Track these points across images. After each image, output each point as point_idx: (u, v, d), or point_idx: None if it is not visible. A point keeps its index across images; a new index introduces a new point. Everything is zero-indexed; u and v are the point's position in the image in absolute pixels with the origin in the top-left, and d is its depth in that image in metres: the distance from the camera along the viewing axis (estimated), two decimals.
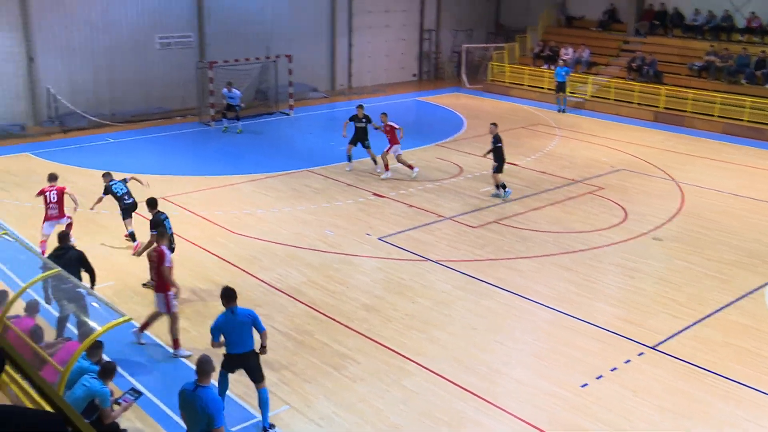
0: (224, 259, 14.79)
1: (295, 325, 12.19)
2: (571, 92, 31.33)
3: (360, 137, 20.74)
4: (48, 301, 10.77)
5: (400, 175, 20.75)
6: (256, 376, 9.47)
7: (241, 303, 9.50)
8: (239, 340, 9.27)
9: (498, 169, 19.21)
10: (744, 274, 14.68)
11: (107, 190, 15.47)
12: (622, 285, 14.09)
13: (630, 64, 31.29)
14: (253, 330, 9.37)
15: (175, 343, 11.26)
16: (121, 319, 7.87)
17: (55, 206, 14.65)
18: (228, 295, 9.29)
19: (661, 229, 17.10)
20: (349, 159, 21.06)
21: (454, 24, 38.04)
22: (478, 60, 36.87)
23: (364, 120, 20.67)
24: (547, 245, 15.93)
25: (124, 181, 15.65)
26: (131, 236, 15.34)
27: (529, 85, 33.15)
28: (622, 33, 34.28)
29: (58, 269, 9.50)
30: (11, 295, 9.68)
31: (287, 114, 28.39)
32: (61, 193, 14.77)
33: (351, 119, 20.86)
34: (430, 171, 21.33)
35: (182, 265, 14.03)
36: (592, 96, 31.15)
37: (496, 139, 19.22)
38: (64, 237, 11.45)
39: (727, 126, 27.04)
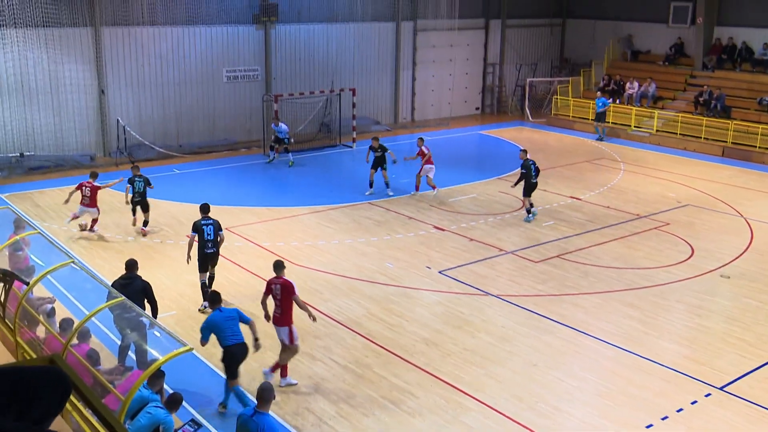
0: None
1: (354, 358, 12.19)
2: (636, 126, 31.04)
3: (379, 164, 21.94)
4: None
5: (461, 209, 20.75)
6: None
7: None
8: (231, 332, 10.42)
9: (526, 193, 19.68)
10: None
11: (130, 181, 17.84)
12: (688, 323, 13.77)
13: (697, 98, 30.81)
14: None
15: (283, 370, 11.37)
16: (183, 349, 7.93)
17: (87, 198, 17.44)
18: (214, 298, 10.75)
19: (728, 267, 16.74)
20: (371, 185, 22.06)
21: (518, 58, 38.11)
22: (542, 94, 36.80)
23: (379, 150, 21.85)
24: (610, 281, 15.69)
25: (147, 181, 17.87)
26: (144, 223, 17.99)
27: (593, 119, 32.87)
28: (689, 67, 33.80)
29: (122, 298, 9.65)
30: (76, 322, 9.87)
31: (350, 147, 28.67)
32: (94, 190, 17.48)
33: (369, 149, 21.96)
34: (491, 204, 21.30)
35: (245, 296, 14.19)
36: (659, 130, 30.74)
37: (523, 166, 19.72)
38: (131, 266, 11.59)
39: None
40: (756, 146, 27.70)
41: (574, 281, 15.65)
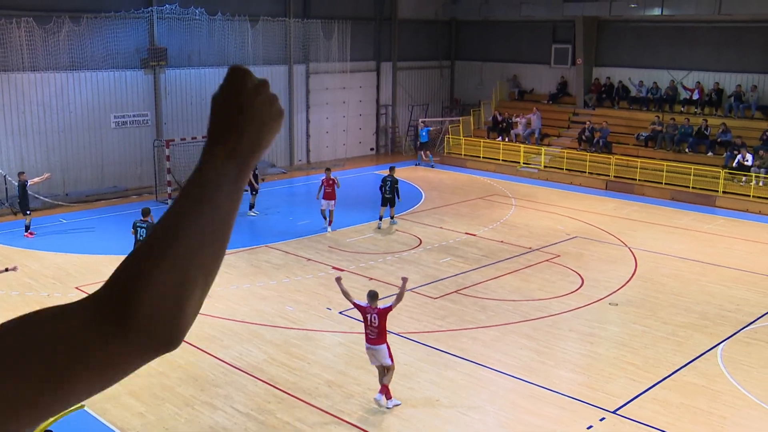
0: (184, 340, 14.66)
1: (257, 405, 12.04)
2: (525, 163, 32.23)
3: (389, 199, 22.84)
4: None
5: (360, 248, 20.90)
6: None
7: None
8: None
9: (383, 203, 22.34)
10: (697, 336, 15.00)
11: (134, 227, 17.61)
12: (581, 350, 14.26)
13: (581, 134, 32.26)
14: None
15: (388, 393, 12.02)
16: (73, 408, 7.70)
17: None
18: None
19: (616, 294, 17.43)
20: (381, 218, 23.07)
21: (410, 99, 38.99)
22: (435, 133, 37.75)
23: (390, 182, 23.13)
24: (507, 314, 16.10)
25: (148, 223, 17.25)
26: None
27: (484, 157, 33.89)
28: (572, 105, 35.41)
29: None
30: None
31: (246, 191, 28.31)
32: None
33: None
34: (390, 243, 21.54)
35: None
36: (546, 166, 31.97)
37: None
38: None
39: (674, 192, 27.86)
40: (636, 179, 29.13)
41: (472, 315, 15.98)
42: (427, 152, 34.33)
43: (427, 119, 37.61)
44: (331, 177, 22.05)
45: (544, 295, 17.32)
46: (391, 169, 23.46)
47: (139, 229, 17.07)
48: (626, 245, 21.58)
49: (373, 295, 12.18)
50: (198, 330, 14.99)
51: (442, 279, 18.54)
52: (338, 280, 12.90)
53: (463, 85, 40.48)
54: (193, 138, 28.19)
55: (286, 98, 33.66)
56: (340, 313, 16.07)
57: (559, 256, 20.46)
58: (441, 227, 23.19)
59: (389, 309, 12.02)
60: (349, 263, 19.75)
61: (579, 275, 18.82)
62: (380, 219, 23.06)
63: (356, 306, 12.29)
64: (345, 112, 36.24)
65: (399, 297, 12.15)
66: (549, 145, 33.33)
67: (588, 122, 32.45)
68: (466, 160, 34.22)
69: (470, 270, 19.26)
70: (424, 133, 34.08)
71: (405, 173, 32.39)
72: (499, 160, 33.23)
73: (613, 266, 19.58)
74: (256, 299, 16.93)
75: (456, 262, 19.92)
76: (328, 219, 22.28)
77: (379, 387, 12.08)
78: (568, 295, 17.34)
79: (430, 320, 15.73)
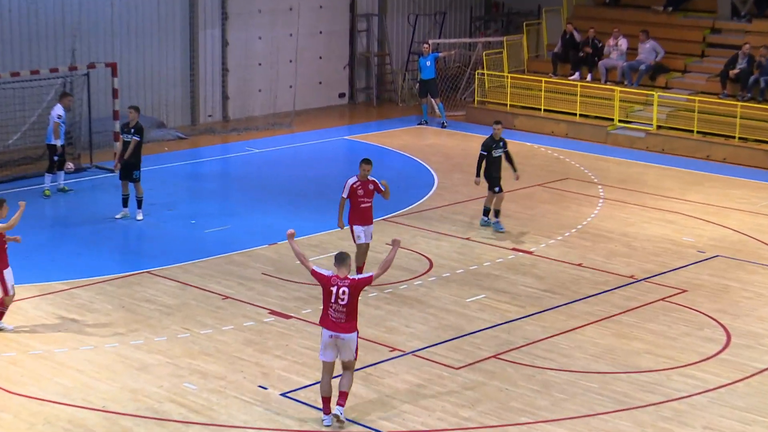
0: None
1: None
2: (623, 121, 32.22)
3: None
4: None
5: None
6: None
7: None
8: None
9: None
10: None
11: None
12: None
13: (727, 69, 31.98)
14: None
15: (345, 400, 14.73)
16: None
17: None
18: None
19: None
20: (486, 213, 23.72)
21: (412, 4, 38.81)
22: (457, 67, 37.41)
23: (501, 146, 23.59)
24: (589, 397, 15.81)
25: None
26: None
27: (546, 110, 33.86)
28: (708, 15, 35.08)
29: None
30: None
31: (111, 171, 27.89)
32: None
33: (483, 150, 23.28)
34: (374, 267, 20.86)
35: None
36: (661, 126, 31.88)
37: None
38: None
39: None
40: None
41: (525, 399, 15.66)
42: (437, 100, 34.35)
43: (440, 40, 37.19)
44: (370, 178, 20.44)
45: (657, 364, 16.95)
46: (497, 125, 23.72)
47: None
48: None
49: (342, 259, 14.54)
50: (18, 425, 14.74)
51: (470, 333, 18.28)
52: (290, 236, 14.96)
53: None
54: (14, 74, 28.07)
55: (185, 3, 33.47)
56: (284, 395, 15.84)
57: (685, 291, 20.21)
58: (468, 238, 22.98)
59: (369, 280, 14.76)
60: (303, 303, 19.47)
61: (722, 326, 18.48)
62: (486, 215, 23.68)
63: (316, 275, 14.53)
64: (293, 28, 35.59)
65: (385, 264, 14.66)
66: (667, 87, 33.03)
67: (744, 47, 31.91)
68: (514, 116, 33.96)
69: (521, 318, 18.99)
70: (427, 64, 34.02)
71: (403, 140, 32.42)
72: (574, 114, 33.00)
73: None
74: (130, 371, 16.63)
75: (495, 302, 19.68)
76: (359, 264, 20.47)
77: (324, 410, 14.70)
78: (703, 363, 16.96)
79: (450, 409, 15.36)
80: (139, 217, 24.54)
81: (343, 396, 14.58)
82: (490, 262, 21.93)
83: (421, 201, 26.30)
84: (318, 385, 14.82)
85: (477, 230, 23.83)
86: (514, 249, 22.67)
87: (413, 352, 17.57)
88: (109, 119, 29.50)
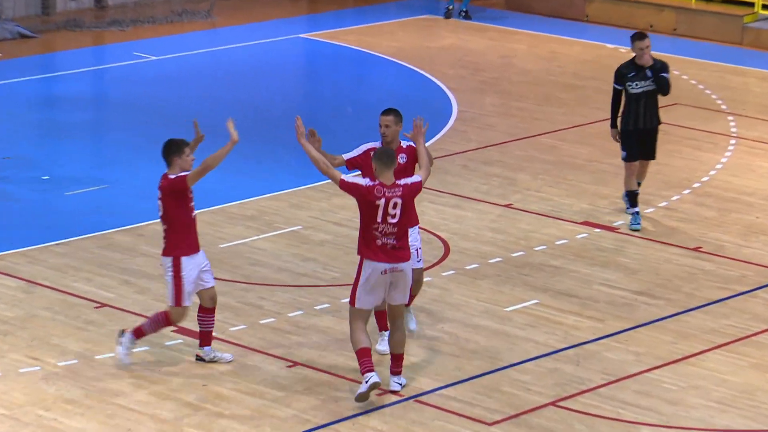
0: None
1: None
2: None
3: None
4: None
5: (280, 277, 17.54)
6: None
7: None
8: None
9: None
10: None
11: None
12: None
13: None
14: None
15: (401, 364, 14.16)
16: None
17: None
18: None
19: None
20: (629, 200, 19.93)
21: None
22: None
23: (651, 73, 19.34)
24: None
25: None
26: None
27: None
28: None
29: None
30: None
31: None
32: None
33: (617, 78, 19.13)
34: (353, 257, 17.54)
35: None
36: None
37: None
38: None
39: None
40: None
41: None
42: None
43: None
44: (404, 143, 17.50)
45: None
46: (640, 42, 19.00)
47: None
48: None
49: (388, 157, 13.79)
50: None
51: (512, 366, 14.93)
52: (300, 132, 14.07)
53: None
54: None
55: None
56: None
57: None
58: (508, 205, 19.79)
59: (419, 186, 13.99)
60: (233, 317, 15.75)
61: None
62: (632, 203, 19.48)
63: (350, 188, 13.69)
64: None
65: (423, 158, 14.16)
66: None
67: None
68: (586, 0, 31.32)
69: (597, 339, 15.67)
70: None
71: (399, 38, 29.59)
72: None
73: None
74: None
75: (554, 313, 16.26)
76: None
77: (367, 367, 13.04)
78: None
79: None
80: None
81: (398, 360, 13.67)
82: (546, 246, 18.44)
83: (431, 142, 22.03)
84: None
85: (523, 189, 20.38)
86: (585, 223, 19.13)
87: (416, 396, 14.13)
88: None
